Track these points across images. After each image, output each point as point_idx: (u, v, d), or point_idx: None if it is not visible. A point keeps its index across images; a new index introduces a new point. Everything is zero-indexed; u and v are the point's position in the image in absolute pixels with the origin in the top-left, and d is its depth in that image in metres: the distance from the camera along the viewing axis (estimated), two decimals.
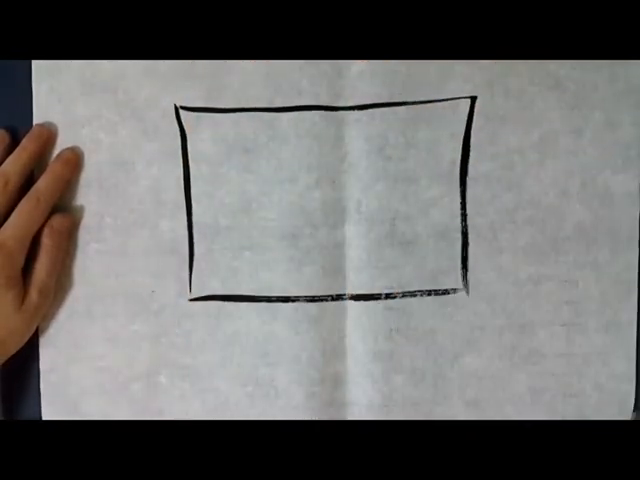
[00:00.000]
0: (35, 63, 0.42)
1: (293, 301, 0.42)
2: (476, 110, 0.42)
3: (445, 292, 0.42)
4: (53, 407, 0.43)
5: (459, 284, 0.42)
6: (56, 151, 0.42)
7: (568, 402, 0.43)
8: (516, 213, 0.42)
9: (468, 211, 0.42)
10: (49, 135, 0.42)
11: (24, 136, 0.41)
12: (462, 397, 0.43)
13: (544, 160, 0.42)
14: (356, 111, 0.42)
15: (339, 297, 0.42)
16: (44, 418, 0.43)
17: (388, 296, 0.42)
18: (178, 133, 0.42)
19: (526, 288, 0.42)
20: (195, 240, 0.42)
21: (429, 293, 0.42)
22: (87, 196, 0.42)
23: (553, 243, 0.42)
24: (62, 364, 0.43)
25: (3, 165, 0.41)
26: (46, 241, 0.41)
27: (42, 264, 0.41)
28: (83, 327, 0.43)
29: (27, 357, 0.43)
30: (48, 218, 0.41)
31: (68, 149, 0.42)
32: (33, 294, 0.40)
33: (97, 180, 0.42)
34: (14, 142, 0.42)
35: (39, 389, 0.43)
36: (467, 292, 0.42)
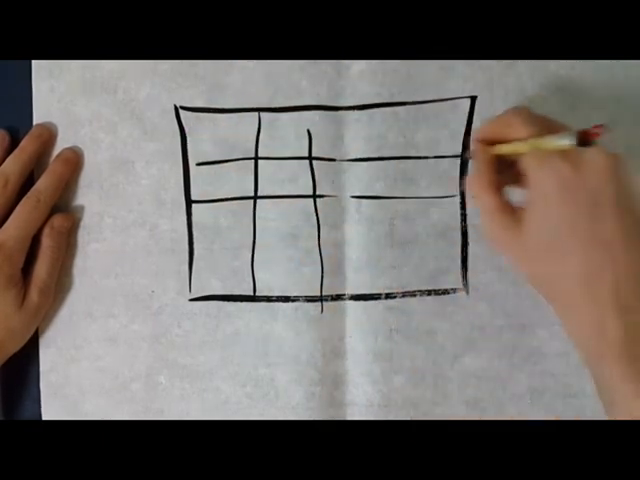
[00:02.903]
0: (35, 63, 0.42)
1: (293, 301, 0.42)
2: (476, 110, 0.42)
3: (445, 292, 0.42)
4: (53, 407, 0.43)
5: (459, 284, 0.42)
6: (56, 151, 0.42)
7: (568, 402, 0.43)
8: None
9: (468, 211, 0.42)
10: (49, 135, 0.42)
11: (24, 136, 0.41)
12: (462, 397, 0.42)
13: None
14: (356, 111, 0.42)
15: (339, 297, 0.42)
16: (44, 418, 0.43)
17: (388, 296, 0.42)
18: (178, 133, 0.42)
19: (526, 288, 0.42)
20: (195, 240, 0.42)
21: (429, 293, 0.42)
22: (87, 196, 0.43)
23: None
24: (62, 364, 0.43)
25: (3, 165, 0.41)
26: (46, 241, 0.41)
27: (42, 264, 0.41)
28: (83, 327, 0.43)
29: (27, 357, 0.43)
30: (48, 218, 0.41)
31: (68, 149, 0.42)
32: (33, 294, 0.40)
33: (97, 180, 0.42)
34: (14, 142, 0.42)
35: (39, 389, 0.43)
36: (467, 292, 0.42)
